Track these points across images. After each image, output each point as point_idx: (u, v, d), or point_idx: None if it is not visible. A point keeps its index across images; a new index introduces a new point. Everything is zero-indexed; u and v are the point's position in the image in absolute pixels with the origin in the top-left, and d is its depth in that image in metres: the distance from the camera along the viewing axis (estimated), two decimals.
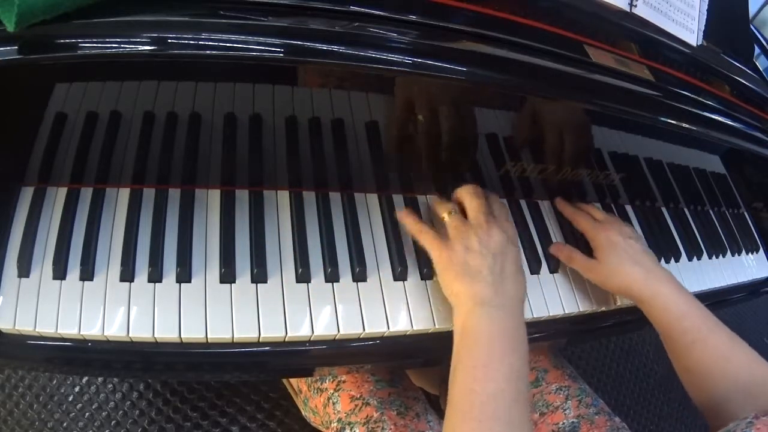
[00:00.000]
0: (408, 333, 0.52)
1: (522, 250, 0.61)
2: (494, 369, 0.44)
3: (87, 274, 0.46)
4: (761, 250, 0.89)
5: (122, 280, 0.47)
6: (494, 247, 0.51)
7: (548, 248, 0.62)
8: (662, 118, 0.55)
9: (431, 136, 0.54)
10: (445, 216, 0.53)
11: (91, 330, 0.44)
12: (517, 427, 0.42)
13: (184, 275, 0.48)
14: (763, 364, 0.51)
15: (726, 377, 0.50)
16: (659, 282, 0.55)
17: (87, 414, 0.95)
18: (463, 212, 0.54)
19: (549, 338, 0.61)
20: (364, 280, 0.53)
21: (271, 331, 0.47)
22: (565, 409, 0.64)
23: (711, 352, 0.52)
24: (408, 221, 0.54)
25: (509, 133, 0.58)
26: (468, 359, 0.46)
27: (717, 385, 0.51)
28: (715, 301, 0.77)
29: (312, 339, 0.49)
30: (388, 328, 0.51)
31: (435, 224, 0.56)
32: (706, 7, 0.61)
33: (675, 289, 0.55)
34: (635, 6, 0.54)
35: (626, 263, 0.57)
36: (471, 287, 0.48)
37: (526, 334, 0.49)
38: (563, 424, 0.63)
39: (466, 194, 0.55)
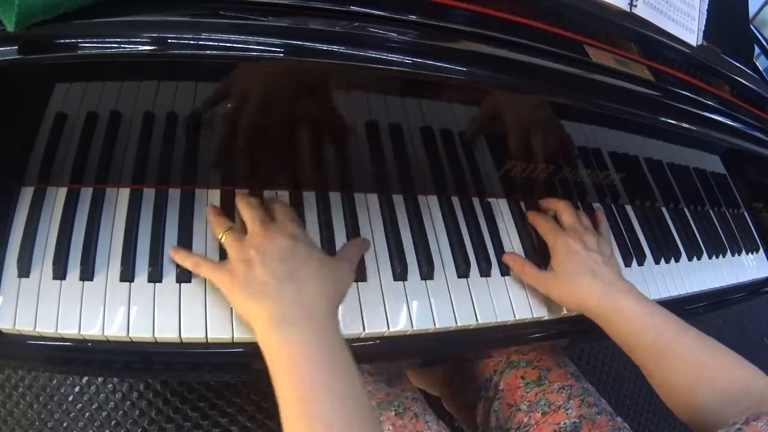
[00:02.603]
0: (408, 333, 0.52)
1: (523, 251, 0.62)
2: (313, 401, 0.39)
3: (87, 274, 0.46)
4: (761, 250, 0.89)
5: (122, 280, 0.47)
6: (278, 253, 0.45)
7: (502, 256, 0.59)
8: (662, 118, 0.55)
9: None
10: (221, 236, 0.48)
11: (91, 330, 0.44)
12: None
13: (184, 275, 0.48)
14: (740, 367, 0.48)
15: (702, 385, 0.47)
16: (620, 295, 0.52)
17: (87, 414, 0.95)
18: (244, 228, 0.49)
19: (549, 338, 0.61)
20: (364, 279, 0.53)
21: None
22: (567, 409, 0.64)
23: (682, 361, 0.48)
24: (179, 257, 0.48)
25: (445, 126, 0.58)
26: (283, 396, 0.40)
27: (695, 394, 0.48)
28: (715, 301, 0.77)
29: None
30: (388, 328, 0.51)
31: None
32: (706, 7, 0.61)
33: (636, 300, 0.51)
34: (635, 6, 0.54)
35: (583, 276, 0.53)
36: (261, 306, 0.43)
37: (343, 343, 0.43)
38: (565, 423, 0.63)
39: (241, 207, 0.50)
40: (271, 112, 0.47)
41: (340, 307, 0.49)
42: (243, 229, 0.48)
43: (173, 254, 0.48)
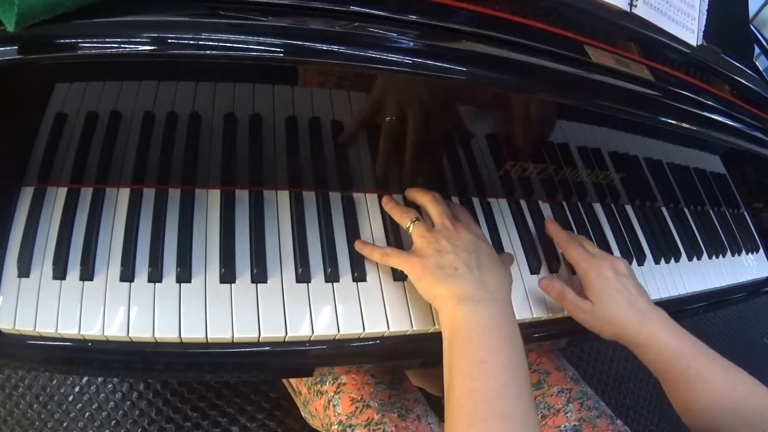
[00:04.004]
0: (408, 333, 0.52)
1: (523, 251, 0.62)
2: (492, 364, 0.43)
3: (87, 274, 0.46)
4: (761, 250, 0.89)
5: (122, 280, 0.47)
6: (465, 245, 0.50)
7: (539, 281, 0.58)
8: (662, 118, 0.55)
9: (410, 136, 0.53)
10: (410, 225, 0.53)
11: (91, 330, 0.44)
12: (524, 423, 0.41)
13: (184, 275, 0.48)
14: (759, 392, 0.50)
15: (725, 410, 0.49)
16: (653, 324, 0.53)
17: (87, 414, 0.95)
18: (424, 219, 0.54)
19: (549, 338, 0.61)
20: (364, 280, 0.53)
21: (271, 331, 0.47)
22: (566, 412, 0.64)
23: (709, 388, 0.50)
24: (367, 251, 0.53)
25: (495, 131, 0.58)
26: (463, 359, 0.44)
27: (716, 418, 0.50)
28: (715, 301, 0.77)
29: (312, 339, 0.49)
30: (388, 328, 0.51)
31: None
32: (706, 7, 0.61)
33: (669, 330, 0.53)
34: (635, 6, 0.54)
35: (620, 306, 0.54)
36: (450, 287, 0.47)
37: (518, 328, 0.47)
38: (565, 427, 0.63)
39: (428, 201, 0.55)
40: None
41: (340, 307, 0.50)
42: (425, 222, 0.54)
43: (360, 248, 0.53)
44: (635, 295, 0.55)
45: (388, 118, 0.51)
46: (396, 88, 0.49)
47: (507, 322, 0.47)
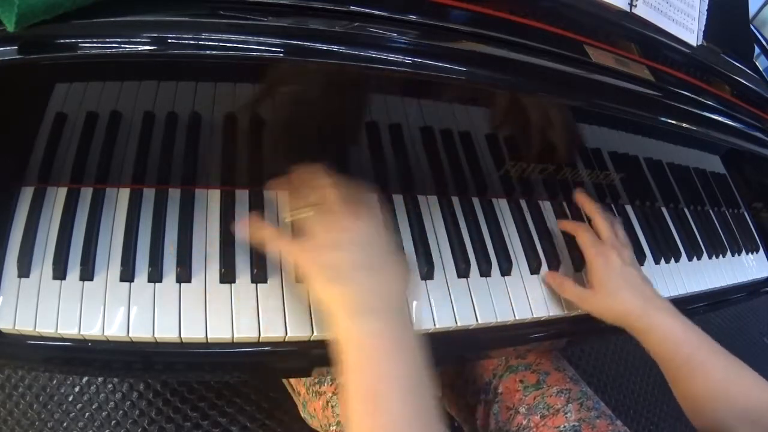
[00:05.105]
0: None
1: (523, 251, 0.62)
2: (386, 397, 0.39)
3: (87, 274, 0.46)
4: (761, 250, 0.89)
5: (122, 280, 0.47)
6: (361, 238, 0.44)
7: (545, 275, 0.60)
8: (662, 118, 0.55)
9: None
10: (307, 211, 0.46)
11: (91, 330, 0.44)
12: None
13: (184, 275, 0.48)
14: (762, 389, 0.50)
15: (727, 402, 0.50)
16: (658, 312, 0.54)
17: (87, 414, 0.95)
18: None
19: (549, 338, 0.61)
20: None
21: (271, 331, 0.47)
22: (566, 413, 0.64)
23: (712, 379, 0.51)
24: (252, 230, 0.47)
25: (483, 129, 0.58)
26: (355, 389, 0.40)
27: (717, 410, 0.50)
28: (715, 301, 0.77)
29: (312, 339, 0.49)
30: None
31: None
32: (706, 7, 0.61)
33: (674, 319, 0.53)
34: (635, 6, 0.54)
35: (624, 290, 0.55)
36: (340, 294, 0.42)
37: (414, 335, 0.43)
38: (564, 427, 0.63)
39: (326, 185, 0.47)
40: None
41: None
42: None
43: (242, 228, 0.47)
44: (641, 282, 0.56)
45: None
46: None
47: (403, 335, 0.42)
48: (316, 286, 0.44)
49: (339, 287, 0.43)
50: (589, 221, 0.64)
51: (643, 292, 0.55)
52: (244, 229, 0.48)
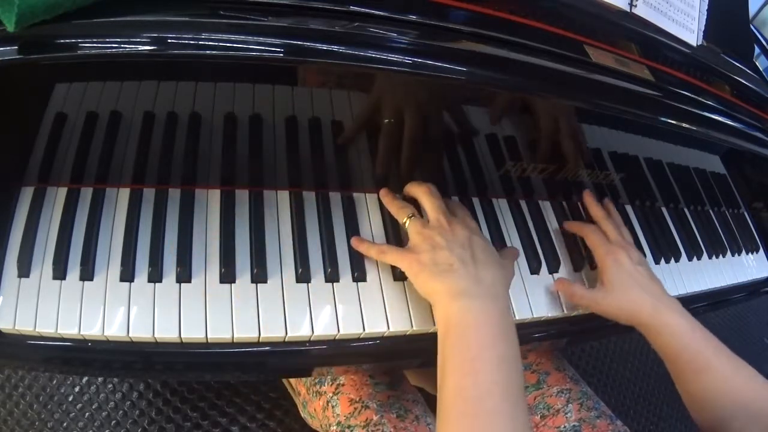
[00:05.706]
0: (408, 333, 0.52)
1: (523, 251, 0.62)
2: (483, 361, 0.43)
3: (87, 274, 0.46)
4: (761, 250, 0.89)
5: (122, 280, 0.47)
6: (460, 240, 0.50)
7: (555, 284, 0.60)
8: (662, 118, 0.55)
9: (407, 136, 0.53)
10: (406, 221, 0.53)
11: (91, 330, 0.44)
12: (513, 420, 0.41)
13: (184, 275, 0.48)
14: (763, 386, 0.51)
15: (731, 401, 0.50)
16: (667, 311, 0.55)
17: (87, 414, 0.95)
18: (421, 214, 0.54)
19: (549, 338, 0.61)
20: (364, 279, 0.53)
21: (271, 331, 0.47)
22: (566, 413, 0.64)
23: (716, 378, 0.51)
24: (364, 248, 0.53)
25: (493, 131, 0.58)
26: (454, 356, 0.44)
27: (721, 408, 0.51)
28: (715, 301, 0.77)
29: (312, 339, 0.49)
30: (388, 328, 0.51)
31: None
32: (706, 7, 0.61)
33: (682, 318, 0.54)
34: (635, 6, 0.54)
35: (634, 290, 0.56)
36: (445, 282, 0.47)
37: (513, 324, 0.48)
38: (564, 427, 0.63)
39: (422, 194, 0.54)
40: None
41: (340, 307, 0.50)
42: (421, 217, 0.53)
43: (356, 245, 0.53)
44: (650, 281, 0.57)
45: (386, 120, 0.51)
46: (393, 88, 0.49)
47: (501, 318, 0.47)
48: (422, 282, 0.49)
49: (441, 279, 0.47)
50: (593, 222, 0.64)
51: (653, 290, 0.56)
52: (359, 246, 0.53)
